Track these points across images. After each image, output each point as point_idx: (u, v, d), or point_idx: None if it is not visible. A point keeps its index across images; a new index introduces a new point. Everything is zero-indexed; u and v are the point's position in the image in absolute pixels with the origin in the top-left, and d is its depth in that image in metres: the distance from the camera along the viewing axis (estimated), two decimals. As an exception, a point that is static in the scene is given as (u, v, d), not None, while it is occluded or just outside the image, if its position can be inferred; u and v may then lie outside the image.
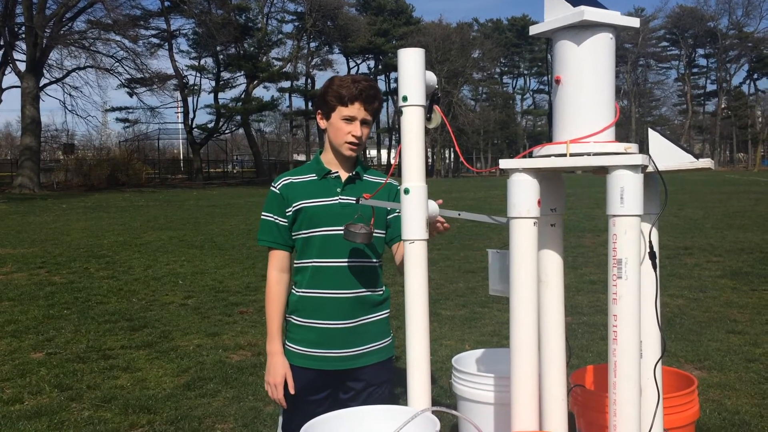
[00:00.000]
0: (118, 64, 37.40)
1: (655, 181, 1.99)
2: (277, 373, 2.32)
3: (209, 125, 49.84)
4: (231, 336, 5.38)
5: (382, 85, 66.64)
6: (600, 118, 1.91)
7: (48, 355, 4.99)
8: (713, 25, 76.94)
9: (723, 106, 79.16)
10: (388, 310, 2.46)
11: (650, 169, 1.88)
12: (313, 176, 2.38)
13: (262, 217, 2.41)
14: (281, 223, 2.36)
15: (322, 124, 2.39)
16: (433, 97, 2.29)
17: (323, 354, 2.32)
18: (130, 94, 41.51)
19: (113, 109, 48.54)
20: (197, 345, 5.18)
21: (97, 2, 34.37)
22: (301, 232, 2.35)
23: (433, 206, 2.24)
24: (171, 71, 44.32)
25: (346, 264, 2.33)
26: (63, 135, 46.56)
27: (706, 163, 1.83)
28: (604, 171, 1.85)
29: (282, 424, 2.51)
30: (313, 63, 57.46)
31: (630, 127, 75.11)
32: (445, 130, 54.93)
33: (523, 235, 1.91)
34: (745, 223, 12.94)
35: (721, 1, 76.82)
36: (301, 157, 61.54)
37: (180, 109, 47.79)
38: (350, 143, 2.31)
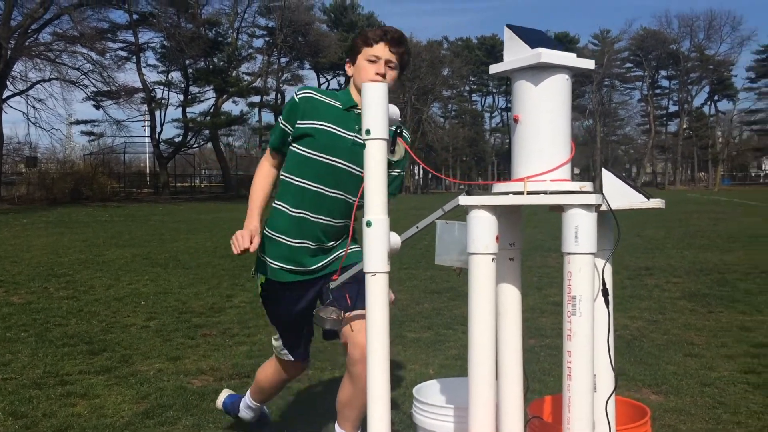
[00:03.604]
0: (84, 76, 36.90)
1: (609, 218, 2.05)
2: (247, 229, 2.40)
3: (177, 139, 49.34)
4: (193, 360, 5.30)
5: (352, 101, 66.82)
6: (556, 156, 1.95)
7: (3, 380, 4.85)
8: (676, 48, 79.18)
9: (684, 126, 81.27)
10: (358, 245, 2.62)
11: (604, 207, 1.93)
12: (337, 104, 2.39)
13: (278, 121, 2.50)
14: (288, 130, 2.44)
15: (350, 71, 2.41)
16: (396, 130, 2.32)
17: (297, 268, 2.51)
18: (96, 107, 40.94)
19: (78, 122, 47.74)
20: (158, 370, 5.09)
21: (63, 14, 33.91)
22: (305, 150, 2.38)
23: (395, 238, 2.26)
24: (138, 84, 43.88)
25: (333, 195, 2.42)
26: (26, 148, 45.43)
27: (656, 203, 1.89)
28: (560, 208, 1.90)
29: (283, 343, 2.74)
30: (283, 78, 57.42)
31: (595, 145, 76.60)
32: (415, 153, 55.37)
33: (482, 271, 1.94)
34: (705, 243, 13.26)
35: (683, 24, 79.15)
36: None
37: (147, 123, 47.17)
38: (374, 81, 2.29)
